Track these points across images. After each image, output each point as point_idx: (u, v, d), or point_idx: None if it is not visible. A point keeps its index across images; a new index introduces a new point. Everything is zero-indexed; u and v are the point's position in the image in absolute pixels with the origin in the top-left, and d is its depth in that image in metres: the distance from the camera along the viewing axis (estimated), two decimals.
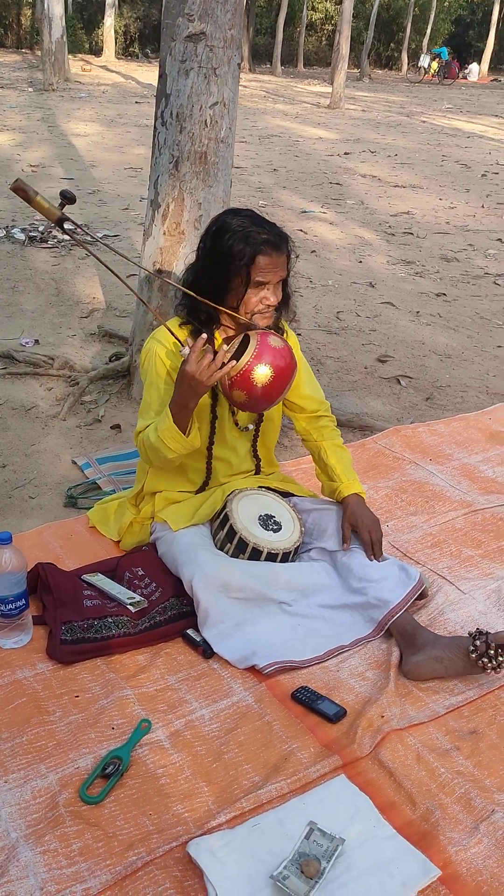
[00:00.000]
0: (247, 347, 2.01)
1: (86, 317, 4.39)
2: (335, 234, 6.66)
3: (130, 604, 2.15)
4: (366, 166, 10.30)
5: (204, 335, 1.93)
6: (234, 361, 1.97)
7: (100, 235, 6.01)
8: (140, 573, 2.28)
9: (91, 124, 12.38)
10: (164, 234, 3.26)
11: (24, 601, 2.02)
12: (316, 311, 4.72)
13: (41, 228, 5.94)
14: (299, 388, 2.37)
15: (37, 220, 6.16)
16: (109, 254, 5.14)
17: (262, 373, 1.98)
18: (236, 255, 2.01)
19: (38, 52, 22.15)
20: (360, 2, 34.79)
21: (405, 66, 35.41)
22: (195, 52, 3.01)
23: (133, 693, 1.93)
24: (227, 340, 2.12)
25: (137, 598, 2.17)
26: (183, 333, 2.13)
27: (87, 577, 2.27)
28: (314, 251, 6.05)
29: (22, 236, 5.81)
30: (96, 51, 30.18)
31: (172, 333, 2.05)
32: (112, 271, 2.01)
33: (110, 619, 2.09)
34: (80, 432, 3.17)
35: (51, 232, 5.88)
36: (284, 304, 2.20)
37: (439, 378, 3.87)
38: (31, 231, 5.90)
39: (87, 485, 2.82)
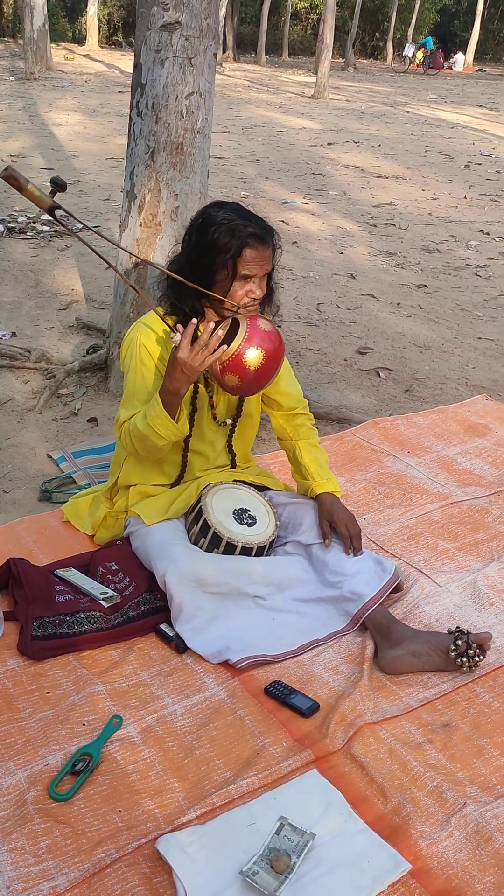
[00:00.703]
0: (236, 332, 2.00)
1: (64, 309, 4.36)
2: (317, 224, 6.64)
3: (103, 599, 2.13)
4: (349, 156, 10.27)
5: (194, 320, 1.92)
6: (225, 346, 1.96)
7: (78, 227, 5.97)
8: (114, 568, 2.26)
9: (73, 114, 12.28)
10: (141, 225, 3.23)
11: None
12: (296, 302, 4.70)
13: (21, 219, 5.89)
14: (278, 384, 2.36)
15: (16, 210, 6.10)
16: (94, 242, 5.09)
17: (254, 356, 1.98)
18: (222, 248, 1.99)
19: (21, 41, 21.92)
20: None
21: (390, 56, 35.31)
22: (170, 41, 2.98)
23: (105, 689, 1.91)
24: (217, 325, 2.10)
25: (110, 592, 2.16)
26: (170, 322, 2.12)
27: (59, 571, 2.26)
28: (295, 242, 6.02)
29: (0, 227, 5.76)
30: (80, 39, 29.91)
31: (164, 319, 2.04)
32: (104, 259, 1.99)
33: (82, 615, 2.08)
34: (56, 426, 3.15)
35: (30, 223, 5.82)
36: (268, 298, 2.19)
37: (419, 370, 3.87)
38: (9, 222, 5.84)
39: (62, 479, 2.80)
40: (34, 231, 5.73)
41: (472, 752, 1.82)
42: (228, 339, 2.02)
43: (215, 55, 3.14)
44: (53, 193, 1.88)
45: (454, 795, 1.69)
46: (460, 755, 1.81)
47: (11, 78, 16.69)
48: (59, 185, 1.88)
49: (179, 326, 1.96)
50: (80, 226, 2.06)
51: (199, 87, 3.08)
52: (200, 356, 1.93)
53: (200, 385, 2.22)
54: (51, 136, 10.14)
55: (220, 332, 1.95)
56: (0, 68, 18.73)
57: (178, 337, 1.93)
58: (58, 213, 1.92)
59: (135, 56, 3.13)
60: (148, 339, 2.14)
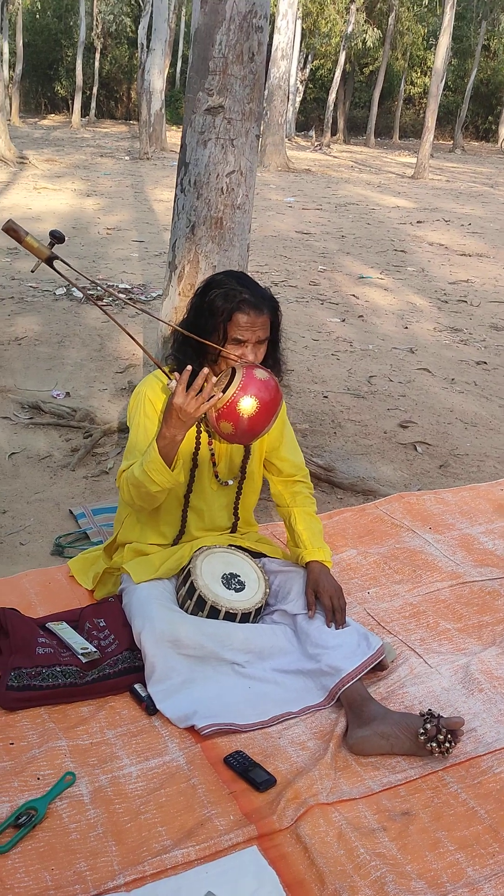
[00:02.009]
0: (233, 381, 2.05)
1: (121, 372, 4.52)
2: (387, 299, 6.68)
3: (82, 654, 2.15)
4: (436, 234, 10.34)
5: (189, 367, 1.97)
6: (221, 394, 2.01)
7: (154, 295, 6.21)
8: (101, 624, 2.29)
9: (175, 190, 12.85)
10: (180, 294, 3.36)
11: None
12: (349, 374, 4.72)
13: (100, 287, 6.17)
14: (279, 449, 2.39)
15: (99, 278, 6.40)
16: (106, 298, 5.28)
17: (248, 404, 2.02)
18: (216, 312, 2.09)
19: None
20: (459, 76, 35.39)
21: (502, 139, 35.56)
22: (213, 124, 3.14)
23: (67, 744, 1.92)
24: (215, 375, 2.16)
25: (91, 648, 2.18)
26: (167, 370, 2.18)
27: (51, 624, 2.30)
28: (361, 316, 6.07)
29: (80, 294, 6.05)
30: None
31: (162, 369, 2.12)
32: (99, 306, 2.09)
33: (58, 668, 2.10)
34: (85, 483, 3.24)
35: (108, 290, 6.09)
36: (274, 368, 2.23)
37: (459, 446, 3.80)
38: (89, 289, 6.13)
39: (78, 534, 2.87)
40: (111, 298, 5.99)
41: (427, 845, 1.73)
42: (225, 388, 2.07)
43: (257, 137, 3.27)
44: (52, 245, 1.99)
45: (396, 889, 1.61)
46: (413, 846, 1.72)
47: (126, 157, 17.68)
48: (57, 238, 1.99)
49: (175, 374, 2.02)
50: (85, 276, 2.17)
51: (240, 166, 3.21)
52: (195, 402, 1.97)
53: (203, 441, 2.26)
54: (150, 211, 10.64)
55: (215, 380, 2.00)
56: (119, 149, 19.89)
57: (174, 384, 1.99)
58: (56, 263, 2.02)
59: (181, 137, 3.30)
60: (153, 391, 2.20)
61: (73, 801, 1.78)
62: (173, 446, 2.07)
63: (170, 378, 2.03)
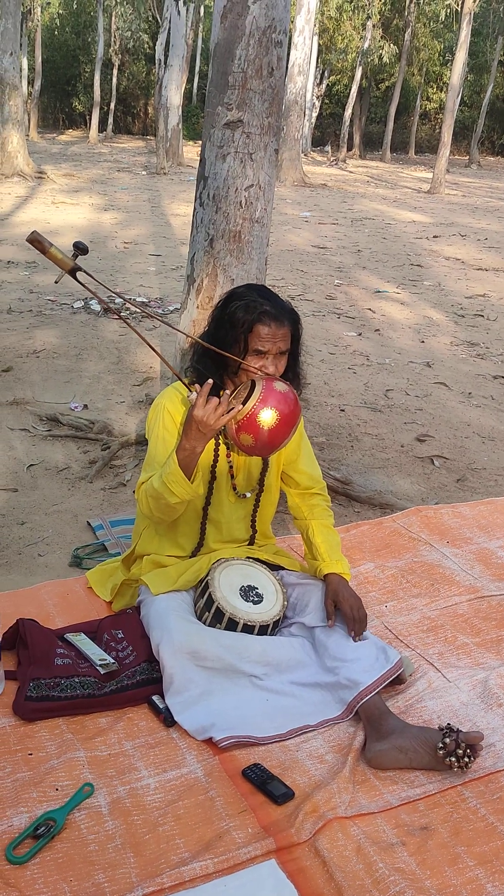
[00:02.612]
0: (252, 393, 2.06)
1: (138, 385, 4.54)
2: (404, 314, 6.69)
3: (100, 665, 2.16)
4: (452, 249, 10.35)
5: (210, 380, 1.99)
6: (240, 405, 2.02)
7: (171, 308, 6.24)
8: (119, 636, 2.30)
9: (192, 204, 12.93)
10: (198, 307, 3.37)
11: None
12: (366, 388, 4.72)
13: (118, 301, 6.22)
14: (297, 462, 2.39)
15: (116, 292, 6.43)
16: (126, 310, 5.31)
17: (268, 416, 2.02)
18: (237, 323, 2.10)
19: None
20: (475, 92, 35.51)
21: None
22: (232, 138, 3.16)
23: (85, 755, 1.92)
24: (235, 386, 2.17)
25: (109, 660, 2.18)
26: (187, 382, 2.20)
27: (69, 636, 2.31)
28: (378, 330, 6.08)
29: (98, 308, 6.10)
30: None
31: (182, 381, 2.13)
32: (122, 318, 2.11)
33: (77, 679, 2.11)
34: (103, 495, 3.25)
35: (125, 304, 6.14)
36: (294, 381, 2.24)
37: (476, 460, 3.79)
38: (109, 303, 6.17)
39: (95, 546, 2.88)
40: (127, 312, 6.04)
41: (447, 860, 1.72)
42: (245, 400, 2.08)
43: (276, 151, 3.30)
44: (75, 256, 2.01)
45: None
46: (433, 861, 1.71)
47: (144, 172, 17.81)
48: (80, 249, 2.01)
49: (196, 386, 2.03)
50: (106, 288, 2.18)
51: (258, 180, 3.24)
52: (215, 414, 1.99)
53: (221, 454, 2.27)
54: (167, 225, 10.71)
55: (234, 393, 2.01)
56: (136, 163, 20.05)
57: (194, 395, 2.01)
58: (80, 275, 2.04)
59: (200, 151, 3.33)
60: (173, 403, 2.22)
61: (91, 812, 1.78)
62: (193, 458, 2.08)
63: (190, 390, 2.05)
